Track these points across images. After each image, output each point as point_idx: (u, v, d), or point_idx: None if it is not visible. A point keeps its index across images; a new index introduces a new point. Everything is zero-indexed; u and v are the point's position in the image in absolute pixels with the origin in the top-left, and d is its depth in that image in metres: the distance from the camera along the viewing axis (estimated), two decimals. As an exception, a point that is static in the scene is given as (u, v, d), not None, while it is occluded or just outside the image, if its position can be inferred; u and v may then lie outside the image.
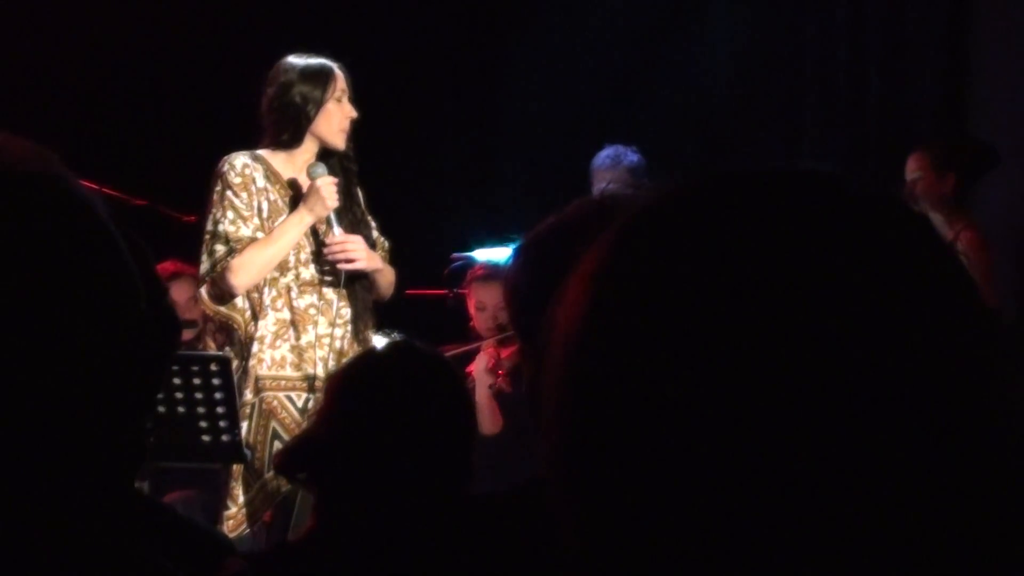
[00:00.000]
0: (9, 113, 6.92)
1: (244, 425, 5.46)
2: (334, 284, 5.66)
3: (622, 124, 8.64)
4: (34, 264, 1.43)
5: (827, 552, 0.97)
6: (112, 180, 5.61)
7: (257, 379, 5.56)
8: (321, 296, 5.66)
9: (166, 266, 6.91)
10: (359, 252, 5.65)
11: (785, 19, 8.85)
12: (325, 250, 5.63)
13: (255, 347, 5.58)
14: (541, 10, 9.46)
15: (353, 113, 5.71)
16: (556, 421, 1.05)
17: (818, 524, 0.97)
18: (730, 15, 9.03)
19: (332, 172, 5.69)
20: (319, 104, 5.65)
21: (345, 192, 5.76)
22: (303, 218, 5.59)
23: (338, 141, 5.70)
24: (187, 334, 6.90)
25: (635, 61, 9.17)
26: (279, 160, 5.71)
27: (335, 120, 5.67)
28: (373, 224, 5.91)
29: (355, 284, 5.71)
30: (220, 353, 5.54)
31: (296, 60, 5.71)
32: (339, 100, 5.68)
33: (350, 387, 3.10)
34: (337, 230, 5.63)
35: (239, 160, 5.66)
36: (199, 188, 5.81)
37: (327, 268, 5.66)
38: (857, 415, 0.97)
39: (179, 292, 6.94)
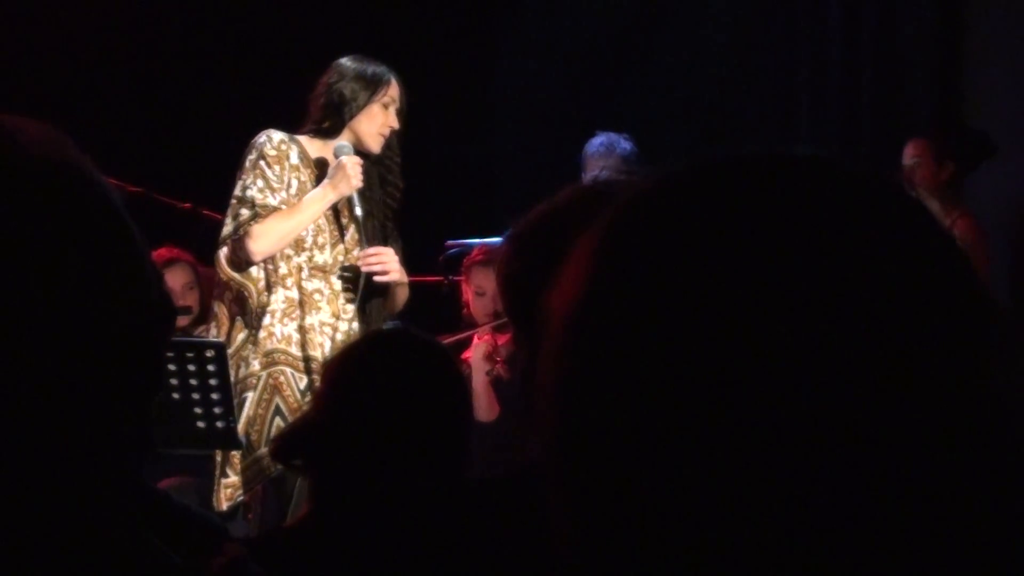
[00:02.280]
0: (6, 100, 6.93)
1: (249, 396, 5.48)
2: (351, 300, 5.66)
3: (615, 113, 8.63)
4: (48, 247, 1.43)
5: (820, 542, 0.97)
6: (108, 168, 5.60)
7: (267, 352, 5.58)
8: (328, 285, 5.67)
9: (162, 252, 6.90)
10: (393, 264, 5.68)
11: (780, 13, 8.84)
12: (360, 260, 5.64)
13: (267, 319, 5.60)
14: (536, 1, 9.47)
15: (395, 124, 5.74)
16: (551, 406, 1.05)
17: (810, 511, 0.97)
18: (726, 8, 9.02)
19: (369, 181, 5.71)
20: (366, 102, 5.68)
21: (380, 204, 5.80)
22: (327, 194, 5.61)
23: (373, 144, 5.71)
24: (182, 320, 6.90)
25: (629, 51, 9.16)
26: (315, 147, 5.75)
27: (376, 122, 5.70)
28: (393, 234, 5.90)
29: (372, 301, 5.72)
30: (215, 340, 5.54)
31: (353, 62, 5.77)
32: (386, 106, 5.71)
33: (347, 373, 3.10)
34: (359, 211, 5.64)
35: (277, 135, 5.69)
36: (194, 176, 5.83)
37: (347, 279, 5.67)
38: (857, 400, 0.97)
39: (175, 279, 6.93)
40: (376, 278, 5.64)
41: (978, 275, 1.05)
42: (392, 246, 5.79)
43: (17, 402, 1.40)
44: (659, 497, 0.99)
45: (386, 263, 5.64)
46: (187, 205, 6.35)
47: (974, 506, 0.99)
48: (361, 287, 5.65)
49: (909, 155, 7.06)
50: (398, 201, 5.87)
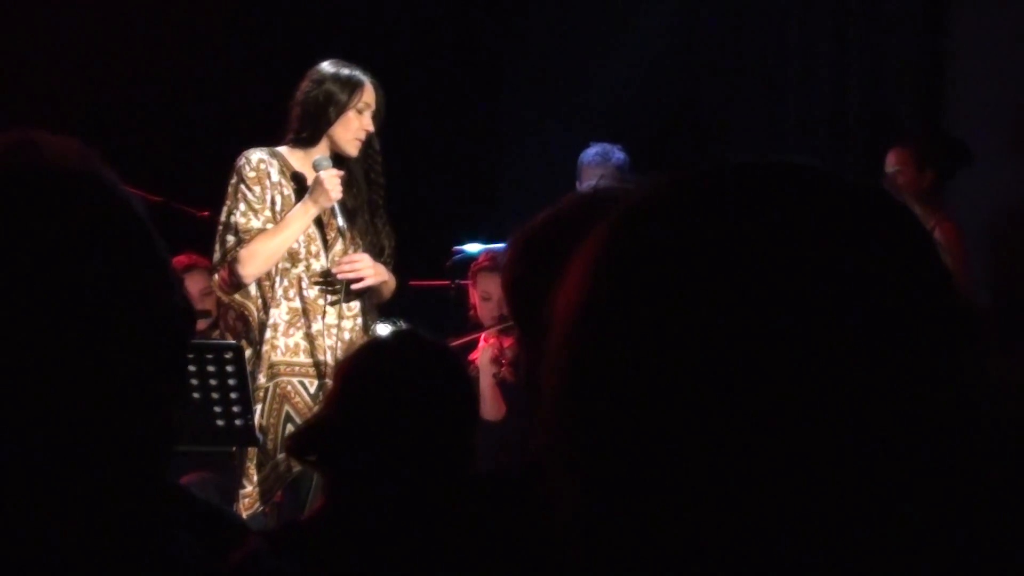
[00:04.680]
0: (31, 112, 6.93)
1: (258, 408, 5.46)
2: (336, 302, 5.65)
3: (609, 119, 8.63)
4: (75, 255, 1.43)
5: (810, 530, 0.97)
6: (130, 178, 5.59)
7: (271, 364, 5.56)
8: (330, 287, 5.65)
9: (181, 259, 6.91)
10: (367, 270, 5.64)
11: (770, 29, 8.84)
12: (334, 268, 5.62)
13: (268, 334, 5.57)
14: (540, 13, 9.46)
15: (370, 127, 5.68)
16: (554, 404, 1.05)
17: (800, 498, 0.97)
18: (715, 22, 9.02)
19: (353, 179, 5.70)
20: (341, 109, 5.64)
21: (364, 200, 5.78)
22: (308, 209, 5.58)
23: (351, 149, 5.68)
24: (201, 324, 6.89)
25: (623, 56, 9.15)
26: (296, 157, 5.71)
27: (352, 128, 5.65)
28: (387, 234, 5.87)
29: (359, 296, 5.70)
30: (233, 342, 5.54)
31: (331, 66, 5.71)
32: (360, 112, 5.65)
33: (358, 374, 3.10)
34: (340, 221, 5.61)
35: (255, 155, 5.65)
36: (212, 185, 5.82)
37: (332, 284, 5.65)
38: (845, 394, 0.97)
39: (193, 283, 6.94)
40: (353, 286, 5.63)
41: (955, 277, 1.05)
42: (383, 240, 5.80)
43: (46, 403, 1.40)
44: (652, 487, 0.99)
45: (359, 270, 5.62)
46: (205, 213, 6.34)
47: (955, 496, 0.99)
48: (342, 293, 5.64)
49: (891, 163, 7.07)
50: (383, 196, 5.83)
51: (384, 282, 5.76)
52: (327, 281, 5.64)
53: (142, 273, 1.47)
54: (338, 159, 5.69)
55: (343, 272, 5.60)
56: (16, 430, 1.40)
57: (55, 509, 1.42)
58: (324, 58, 5.77)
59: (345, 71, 5.68)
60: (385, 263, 5.78)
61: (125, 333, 1.43)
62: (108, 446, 1.44)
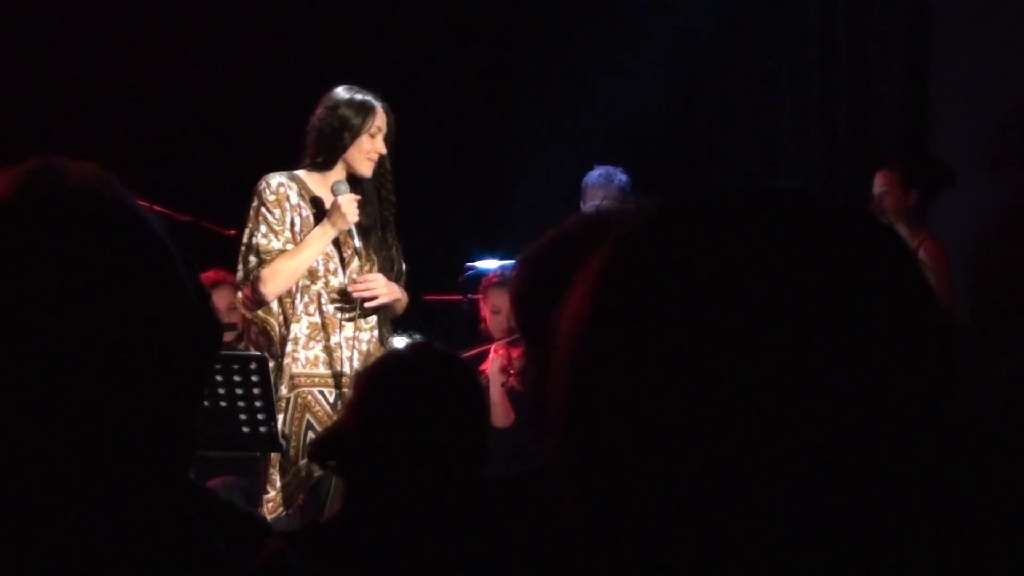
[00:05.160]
0: (65, 136, 6.94)
1: (280, 417, 5.46)
2: (353, 318, 5.65)
3: (612, 143, 8.64)
4: (98, 274, 1.43)
5: (804, 534, 0.97)
6: (160, 198, 5.60)
7: (292, 376, 5.56)
8: (348, 302, 5.66)
9: (209, 275, 6.90)
10: (380, 289, 5.64)
11: (763, 57, 8.85)
12: (350, 288, 5.62)
13: (289, 347, 5.58)
14: (548, 46, 9.48)
15: (382, 149, 5.67)
16: (561, 412, 1.05)
17: (794, 504, 0.97)
18: (711, 50, 9.03)
19: (366, 198, 5.70)
20: (355, 134, 5.63)
21: (377, 216, 5.78)
22: (327, 231, 5.59)
23: (365, 170, 5.67)
24: (228, 336, 6.90)
25: (626, 85, 9.16)
26: (314, 180, 5.71)
27: (364, 150, 5.65)
28: (395, 250, 5.88)
29: (373, 312, 5.71)
30: (257, 353, 5.55)
31: (345, 92, 5.70)
32: (372, 136, 5.65)
33: (375, 384, 3.10)
34: (357, 241, 5.63)
35: (275, 179, 5.66)
36: (238, 205, 5.82)
37: (349, 300, 5.65)
38: (837, 403, 0.97)
39: (220, 298, 6.93)
40: (366, 304, 5.63)
41: (937, 293, 1.05)
42: (393, 254, 5.80)
43: (76, 413, 1.40)
44: (654, 488, 0.99)
45: (373, 289, 5.63)
46: (231, 232, 6.34)
47: (940, 496, 0.99)
48: (358, 310, 5.64)
49: (878, 184, 7.06)
50: (393, 213, 5.83)
51: (397, 300, 5.76)
52: (344, 297, 5.65)
53: (160, 289, 1.47)
54: (353, 179, 5.69)
55: (358, 291, 5.60)
56: (49, 437, 1.41)
57: (87, 510, 1.42)
58: (342, 83, 5.77)
59: (358, 97, 5.68)
60: (395, 279, 5.78)
61: (145, 345, 1.43)
62: (132, 447, 1.44)
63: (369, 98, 5.70)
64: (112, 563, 1.43)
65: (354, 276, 5.64)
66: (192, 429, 1.51)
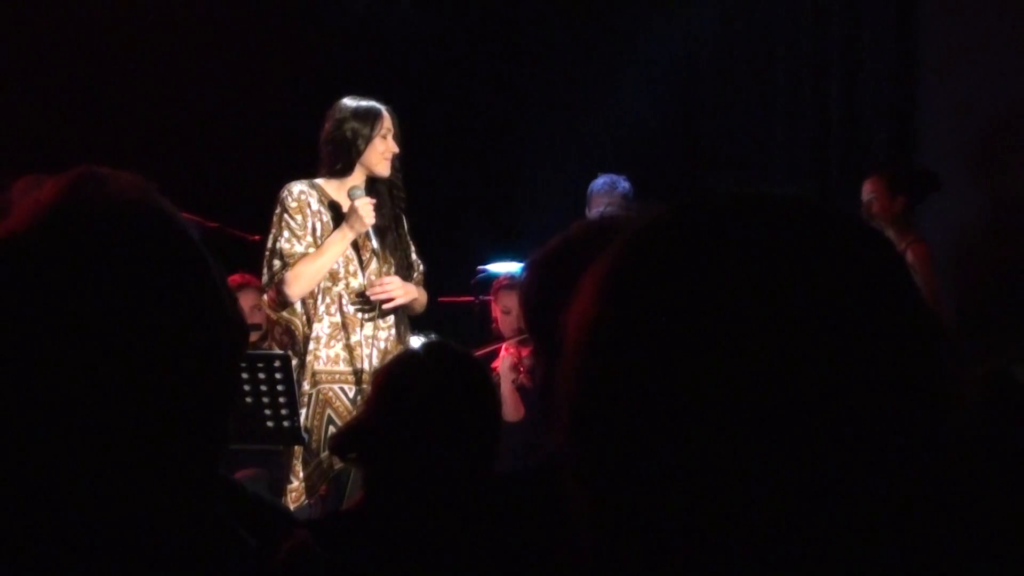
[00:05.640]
0: (100, 148, 6.95)
1: (303, 412, 5.47)
2: (372, 319, 5.66)
3: (616, 152, 8.64)
4: (140, 278, 1.43)
5: (801, 531, 0.97)
6: (189, 206, 5.62)
7: (314, 373, 5.58)
8: (367, 303, 5.67)
9: (234, 278, 6.91)
10: (397, 291, 5.66)
11: (760, 73, 8.85)
12: (368, 291, 5.64)
13: (311, 345, 5.59)
14: (558, 68, 9.49)
15: (395, 148, 5.71)
16: (568, 406, 1.05)
17: (792, 500, 0.97)
18: (710, 67, 9.03)
19: (380, 198, 5.71)
20: (368, 139, 5.66)
21: (391, 215, 5.79)
22: (345, 234, 5.61)
23: (383, 170, 5.70)
24: (253, 336, 6.90)
25: (630, 97, 9.17)
26: (332, 186, 5.73)
27: (378, 151, 5.68)
28: (412, 247, 5.91)
29: (391, 312, 5.72)
30: (281, 352, 5.55)
31: (350, 102, 5.73)
32: (384, 137, 5.68)
33: (393, 381, 3.10)
34: (375, 243, 5.65)
35: (296, 187, 5.69)
36: (262, 212, 5.84)
37: (368, 301, 5.66)
38: (833, 398, 0.96)
39: (245, 300, 6.93)
40: (384, 306, 5.64)
41: (923, 294, 1.05)
42: (409, 252, 5.83)
43: (116, 409, 1.41)
44: (656, 480, 0.99)
45: (390, 291, 5.64)
46: (256, 237, 6.34)
47: (931, 486, 0.99)
48: (376, 311, 5.65)
49: (867, 191, 7.06)
50: (404, 208, 5.86)
51: (415, 300, 5.77)
52: (363, 298, 5.65)
53: (197, 292, 1.47)
54: (367, 181, 5.72)
55: (376, 295, 5.61)
56: (89, 432, 1.41)
57: (124, 500, 1.43)
58: (355, 93, 5.81)
59: (363, 104, 5.72)
60: (412, 278, 5.79)
61: (182, 346, 1.43)
62: (173, 443, 1.44)
63: (373, 104, 5.74)
64: (151, 551, 1.43)
65: (372, 279, 5.65)
66: (224, 424, 1.51)
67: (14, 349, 1.40)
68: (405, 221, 5.88)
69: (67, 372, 1.40)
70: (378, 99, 5.77)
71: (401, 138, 5.76)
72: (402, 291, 5.67)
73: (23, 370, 1.40)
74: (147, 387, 1.41)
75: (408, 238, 5.88)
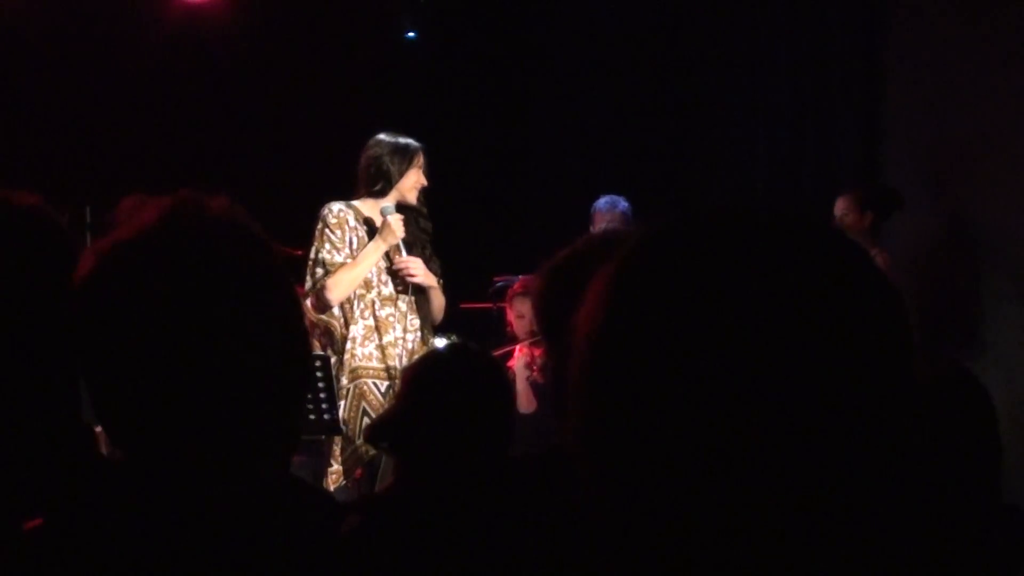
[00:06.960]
0: (157, 172, 6.97)
1: (341, 404, 5.53)
2: (405, 292, 5.75)
3: (616, 175, 8.64)
4: (239, 291, 1.43)
5: (786, 514, 0.96)
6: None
7: (351, 369, 5.64)
8: (397, 308, 5.73)
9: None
10: (418, 268, 5.76)
11: (742, 103, 8.85)
12: (394, 265, 5.74)
13: (348, 345, 5.66)
14: (565, 99, 9.49)
15: (424, 182, 5.86)
16: (578, 401, 1.04)
17: (781, 483, 0.96)
18: (695, 97, 9.03)
19: (407, 224, 5.80)
20: (403, 172, 5.80)
21: (416, 233, 5.85)
22: (378, 246, 5.72)
23: (413, 198, 5.84)
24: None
25: (629, 131, 9.17)
26: (367, 206, 5.84)
27: (411, 182, 5.83)
28: (437, 263, 5.98)
29: (420, 295, 5.77)
30: (322, 352, 5.60)
31: (389, 138, 5.87)
32: (418, 170, 5.83)
33: (420, 378, 3.11)
34: (404, 253, 5.73)
35: (336, 206, 5.80)
36: (302, 228, 5.89)
37: (399, 284, 5.75)
38: (818, 386, 0.96)
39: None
40: (408, 279, 5.73)
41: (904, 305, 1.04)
42: (431, 266, 5.89)
43: (218, 405, 1.41)
44: (660, 469, 0.98)
45: (411, 268, 5.73)
46: (298, 252, 6.36)
47: (898, 471, 0.98)
48: (402, 285, 5.75)
49: (839, 208, 7.07)
50: (430, 234, 5.98)
51: (433, 287, 5.84)
52: (392, 274, 5.73)
53: (283, 304, 1.48)
54: (398, 207, 5.81)
55: (400, 269, 5.72)
56: (188, 431, 1.41)
57: (228, 485, 1.43)
58: (380, 123, 5.94)
59: (402, 141, 5.86)
60: (433, 271, 5.88)
61: (277, 351, 1.44)
62: (262, 438, 1.45)
63: (410, 141, 5.88)
64: (236, 533, 1.43)
65: (397, 258, 5.72)
66: (297, 420, 1.52)
67: (128, 341, 1.40)
68: (430, 244, 5.95)
69: (178, 377, 1.40)
70: (414, 136, 5.94)
71: (429, 175, 5.90)
72: (423, 272, 5.77)
73: (138, 358, 1.40)
74: (247, 390, 1.42)
75: (433, 257, 5.94)
